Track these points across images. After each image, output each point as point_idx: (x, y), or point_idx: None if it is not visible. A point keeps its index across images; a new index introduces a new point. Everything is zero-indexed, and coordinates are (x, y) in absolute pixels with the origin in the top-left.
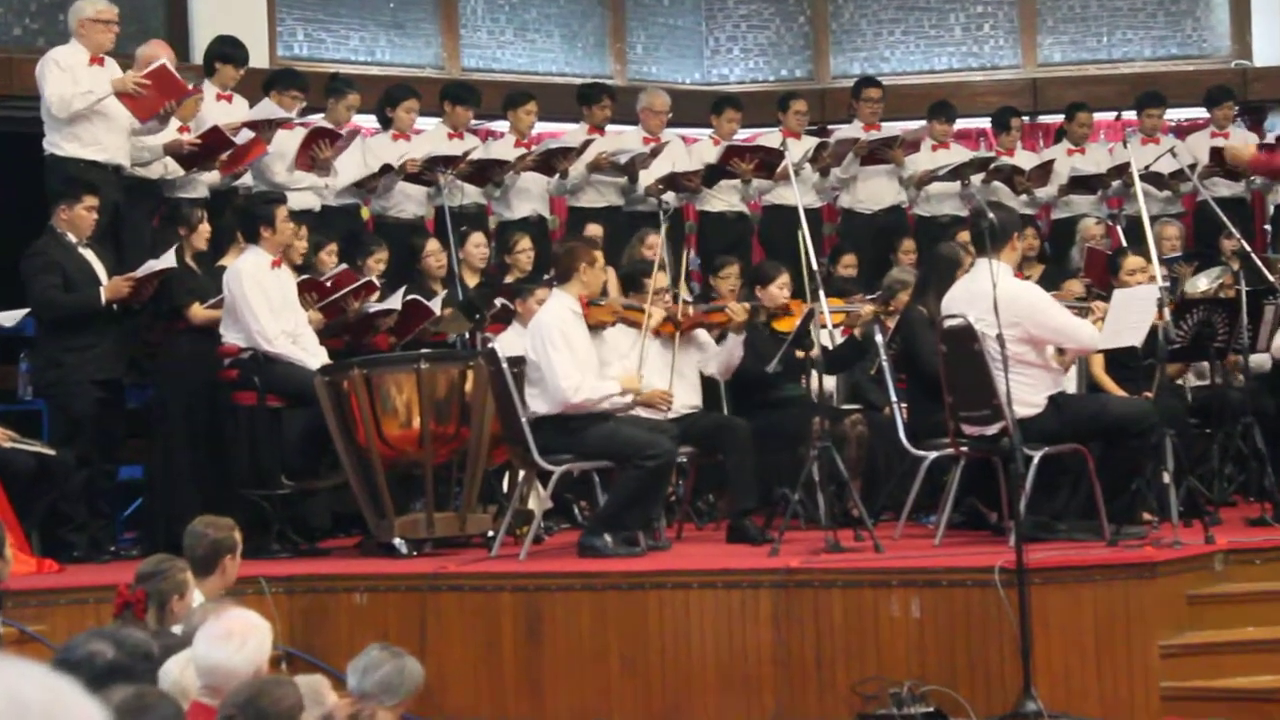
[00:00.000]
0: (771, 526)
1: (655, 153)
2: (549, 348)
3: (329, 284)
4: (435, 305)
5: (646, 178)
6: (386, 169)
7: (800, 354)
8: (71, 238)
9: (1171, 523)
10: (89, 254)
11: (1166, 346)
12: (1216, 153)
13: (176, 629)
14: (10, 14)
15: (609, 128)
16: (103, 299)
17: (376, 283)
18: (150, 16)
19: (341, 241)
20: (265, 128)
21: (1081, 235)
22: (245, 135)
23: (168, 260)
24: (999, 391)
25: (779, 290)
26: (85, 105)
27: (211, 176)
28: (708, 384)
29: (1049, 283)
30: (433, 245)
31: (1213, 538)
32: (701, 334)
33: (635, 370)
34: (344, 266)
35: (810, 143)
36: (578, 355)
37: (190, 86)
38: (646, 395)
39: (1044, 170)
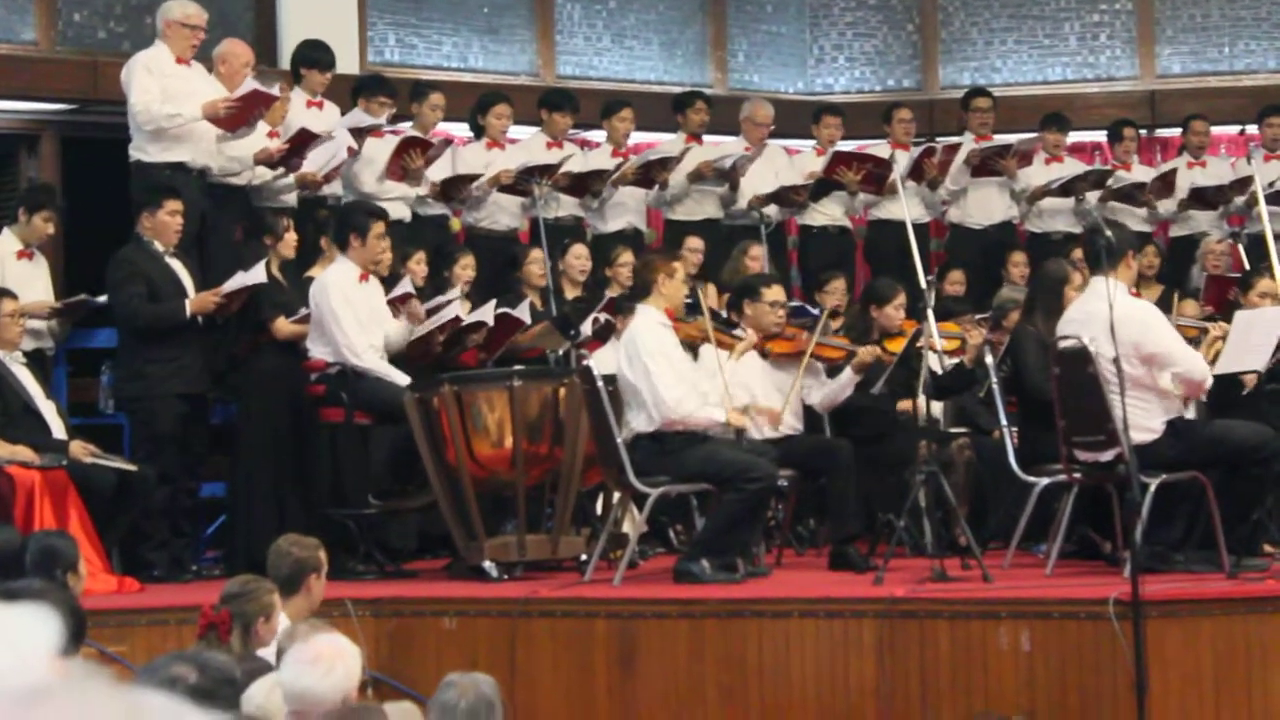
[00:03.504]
0: (875, 554)
1: (756, 155)
2: (646, 359)
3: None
4: (524, 310)
5: (749, 189)
6: (473, 177)
7: (907, 376)
8: (158, 246)
9: None
10: (176, 264)
11: None
12: None
13: (261, 652)
14: (95, 17)
15: (708, 138)
16: (188, 311)
17: (463, 316)
18: (237, 21)
19: (430, 252)
20: (356, 135)
21: (1202, 253)
22: (343, 138)
23: (258, 275)
24: (1115, 416)
25: (895, 311)
26: (171, 126)
27: (289, 178)
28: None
29: (1166, 303)
30: (536, 254)
31: None
32: (816, 363)
33: (722, 391)
34: (440, 303)
35: (916, 151)
36: (676, 368)
37: (276, 89)
38: (757, 410)
39: (1166, 182)
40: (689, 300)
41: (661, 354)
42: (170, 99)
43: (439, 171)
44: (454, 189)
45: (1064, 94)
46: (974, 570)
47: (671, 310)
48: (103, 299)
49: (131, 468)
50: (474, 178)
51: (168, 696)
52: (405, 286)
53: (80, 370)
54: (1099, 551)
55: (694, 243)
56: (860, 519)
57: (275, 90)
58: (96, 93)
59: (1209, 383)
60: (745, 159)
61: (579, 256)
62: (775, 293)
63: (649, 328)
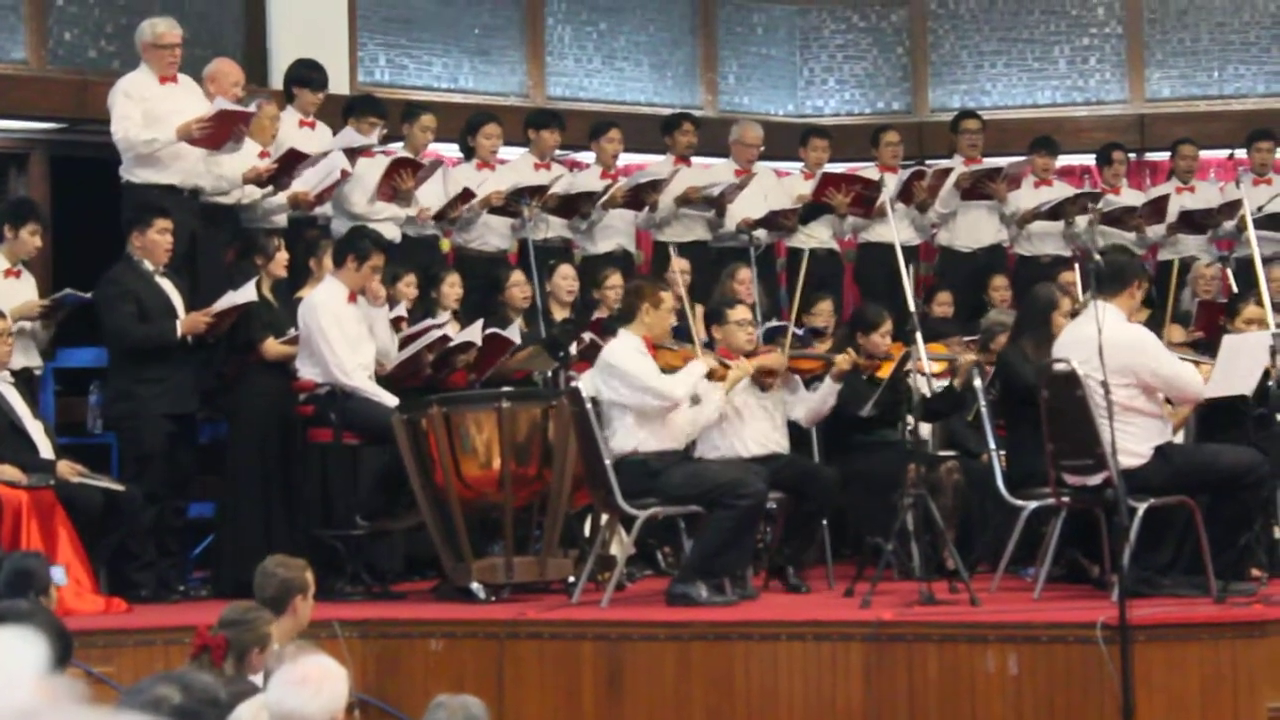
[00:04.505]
0: (862, 577)
1: (744, 184)
2: (628, 366)
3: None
4: (513, 332)
5: (738, 212)
6: (467, 194)
7: (895, 399)
8: (148, 265)
9: None
10: (166, 283)
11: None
12: None
13: (251, 678)
14: (85, 36)
15: (698, 160)
16: (178, 332)
17: (451, 335)
18: (228, 41)
19: (419, 273)
20: (348, 155)
21: (1193, 277)
22: (337, 159)
23: (248, 293)
24: (1103, 440)
25: (882, 339)
26: (149, 151)
27: (280, 199)
28: (799, 425)
29: (1154, 326)
30: (517, 276)
31: None
32: (794, 376)
33: (712, 415)
34: (428, 321)
35: (906, 174)
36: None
37: (253, 107)
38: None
39: (1157, 208)
40: (676, 326)
41: (642, 362)
42: (154, 121)
43: (430, 192)
44: (450, 207)
45: (1053, 117)
46: (962, 594)
47: (650, 339)
48: (88, 295)
49: (119, 487)
50: (472, 194)
51: (152, 717)
52: (398, 310)
53: (68, 390)
54: (1087, 575)
55: (681, 264)
56: (809, 546)
57: (252, 108)
58: (86, 112)
59: (1205, 395)
60: (734, 187)
61: (566, 277)
62: (739, 313)
63: (625, 350)
